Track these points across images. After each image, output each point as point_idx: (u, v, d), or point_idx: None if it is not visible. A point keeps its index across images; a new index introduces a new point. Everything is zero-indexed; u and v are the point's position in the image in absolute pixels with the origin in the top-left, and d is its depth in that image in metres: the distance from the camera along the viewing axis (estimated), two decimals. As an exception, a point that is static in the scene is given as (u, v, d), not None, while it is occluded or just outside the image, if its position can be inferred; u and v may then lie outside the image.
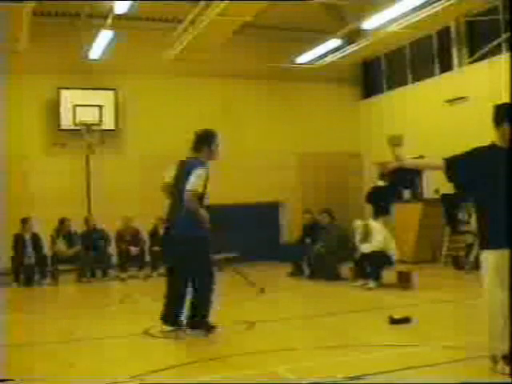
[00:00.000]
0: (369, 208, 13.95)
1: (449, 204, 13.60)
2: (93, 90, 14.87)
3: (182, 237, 6.72)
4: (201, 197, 6.74)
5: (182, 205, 6.66)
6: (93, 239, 13.31)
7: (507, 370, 4.59)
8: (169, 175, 7.01)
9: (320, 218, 12.73)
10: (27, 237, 12.82)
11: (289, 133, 16.80)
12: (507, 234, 4.63)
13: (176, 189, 6.83)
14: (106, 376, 5.24)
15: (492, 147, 4.90)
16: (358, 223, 11.05)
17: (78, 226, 13.55)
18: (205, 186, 6.73)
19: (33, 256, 12.69)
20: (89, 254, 13.09)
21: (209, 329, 6.76)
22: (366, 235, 10.67)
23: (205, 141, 6.99)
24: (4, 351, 6.24)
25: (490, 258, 4.77)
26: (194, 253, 6.68)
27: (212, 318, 6.88)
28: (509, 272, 4.61)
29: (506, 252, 4.62)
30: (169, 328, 6.84)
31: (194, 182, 6.58)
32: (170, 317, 6.85)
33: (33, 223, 12.98)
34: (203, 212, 6.68)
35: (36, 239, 12.89)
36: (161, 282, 12.61)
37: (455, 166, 5.00)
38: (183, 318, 6.89)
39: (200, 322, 6.77)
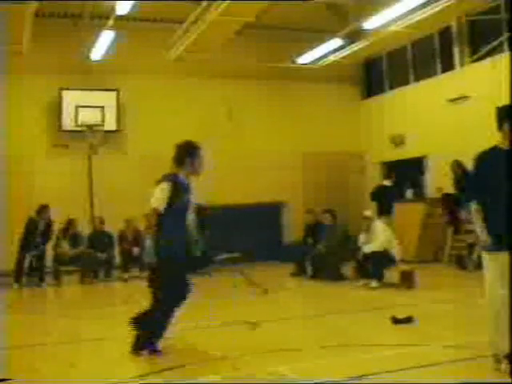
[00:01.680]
0: (372, 206, 13.96)
1: (450, 204, 13.59)
2: (94, 90, 14.89)
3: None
4: (181, 209, 6.29)
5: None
6: (101, 241, 13.32)
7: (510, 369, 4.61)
8: None
9: (322, 218, 12.72)
10: (41, 224, 12.58)
11: (290, 133, 16.80)
12: (508, 236, 4.63)
13: None
14: (107, 376, 5.25)
15: (493, 149, 4.91)
16: (368, 213, 11.08)
17: (80, 227, 13.59)
18: (181, 198, 6.27)
19: (40, 245, 12.53)
20: (91, 255, 13.10)
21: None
22: (368, 230, 10.71)
23: (187, 153, 6.45)
24: (5, 352, 6.25)
25: (492, 259, 4.77)
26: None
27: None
28: (509, 273, 4.62)
29: (506, 253, 4.63)
30: None
31: (155, 197, 6.05)
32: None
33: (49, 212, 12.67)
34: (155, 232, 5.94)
35: (48, 227, 12.67)
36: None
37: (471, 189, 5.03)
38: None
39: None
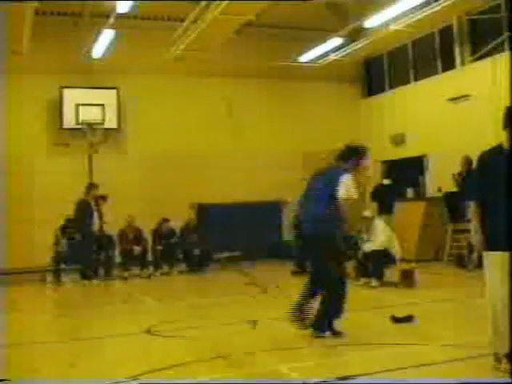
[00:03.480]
0: (372, 206, 13.96)
1: (451, 202, 13.58)
2: (95, 89, 14.89)
3: None
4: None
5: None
6: (100, 240, 13.30)
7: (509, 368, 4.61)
8: None
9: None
10: (92, 202, 12.54)
11: (290, 132, 16.80)
12: (508, 236, 4.63)
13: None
14: (107, 376, 5.24)
15: (496, 149, 4.89)
16: (367, 214, 11.04)
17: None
18: None
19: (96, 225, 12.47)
20: (91, 254, 13.07)
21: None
22: (368, 230, 10.69)
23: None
24: (5, 351, 6.25)
25: (492, 258, 4.77)
26: None
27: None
28: (509, 273, 4.62)
29: (506, 253, 4.63)
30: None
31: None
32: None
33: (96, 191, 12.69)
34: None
35: (97, 206, 12.61)
36: (163, 282, 12.79)
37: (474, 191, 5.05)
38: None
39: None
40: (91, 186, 12.72)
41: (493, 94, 12.37)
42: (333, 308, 6.57)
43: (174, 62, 15.02)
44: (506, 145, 4.83)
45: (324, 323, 6.52)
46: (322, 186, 6.67)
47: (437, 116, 15.06)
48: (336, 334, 6.48)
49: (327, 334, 6.46)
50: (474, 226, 4.96)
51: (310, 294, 6.72)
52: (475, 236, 4.94)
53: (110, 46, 14.03)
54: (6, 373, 5.28)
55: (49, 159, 14.87)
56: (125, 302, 10.57)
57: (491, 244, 4.80)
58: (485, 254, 4.90)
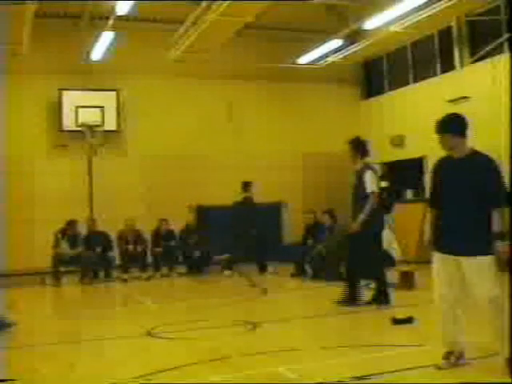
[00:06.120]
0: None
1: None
2: (94, 91, 14.89)
3: None
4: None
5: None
6: (94, 241, 13.29)
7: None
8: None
9: (322, 218, 12.72)
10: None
11: (289, 133, 16.81)
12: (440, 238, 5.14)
13: None
14: (107, 377, 5.24)
15: (446, 158, 5.44)
16: None
17: (80, 227, 13.57)
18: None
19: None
20: (90, 255, 13.09)
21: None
22: None
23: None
24: (5, 352, 6.25)
25: (436, 257, 5.22)
26: None
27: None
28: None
29: (445, 254, 5.05)
30: None
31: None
32: None
33: None
34: None
35: None
36: (163, 283, 12.79)
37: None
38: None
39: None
40: (248, 184, 13.01)
41: (492, 95, 12.37)
42: None
43: (173, 63, 15.04)
44: (455, 155, 5.26)
45: None
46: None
47: (436, 117, 14.96)
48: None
49: None
50: (425, 227, 5.46)
51: None
52: (424, 235, 5.41)
53: (110, 48, 14.05)
54: (6, 373, 5.28)
55: (49, 161, 14.88)
56: (125, 303, 10.58)
57: (437, 244, 5.23)
58: (432, 253, 5.25)
